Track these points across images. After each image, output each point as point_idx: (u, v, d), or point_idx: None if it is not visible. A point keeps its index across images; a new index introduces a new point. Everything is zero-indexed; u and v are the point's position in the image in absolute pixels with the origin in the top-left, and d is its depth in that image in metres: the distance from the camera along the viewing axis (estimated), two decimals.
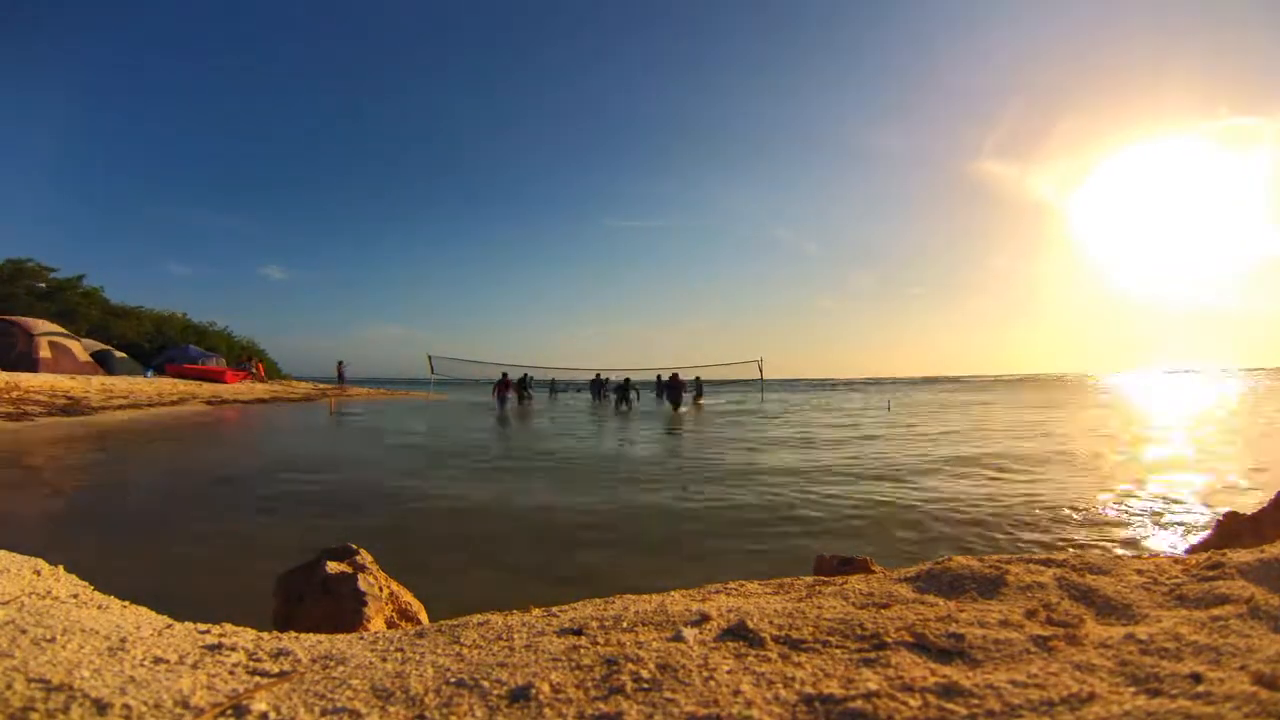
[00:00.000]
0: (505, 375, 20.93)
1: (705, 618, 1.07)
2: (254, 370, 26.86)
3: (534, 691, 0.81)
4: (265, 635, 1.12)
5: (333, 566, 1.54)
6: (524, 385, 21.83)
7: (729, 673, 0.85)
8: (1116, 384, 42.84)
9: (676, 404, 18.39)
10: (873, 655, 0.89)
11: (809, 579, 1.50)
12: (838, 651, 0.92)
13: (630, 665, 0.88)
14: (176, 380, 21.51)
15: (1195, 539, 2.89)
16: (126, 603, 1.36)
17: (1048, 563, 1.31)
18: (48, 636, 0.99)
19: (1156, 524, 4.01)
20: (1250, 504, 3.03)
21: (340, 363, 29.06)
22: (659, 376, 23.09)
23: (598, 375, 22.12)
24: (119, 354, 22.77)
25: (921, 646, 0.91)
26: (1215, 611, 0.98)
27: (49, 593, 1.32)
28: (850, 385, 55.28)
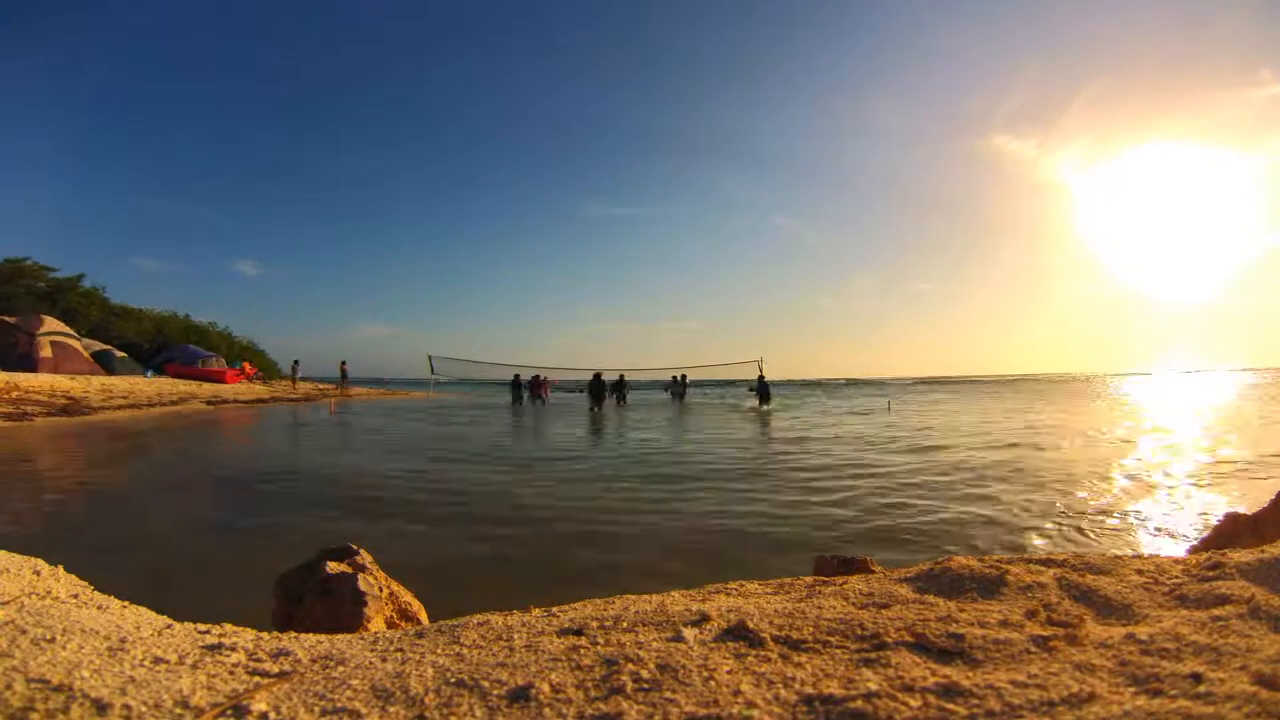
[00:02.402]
0: (539, 376, 22.06)
1: (705, 618, 1.07)
2: (244, 370, 26.74)
3: (534, 692, 0.81)
4: (265, 635, 1.12)
5: (333, 566, 1.54)
6: (517, 385, 22.25)
7: (729, 673, 0.85)
8: (1160, 389, 31.61)
9: (766, 398, 18.57)
10: (873, 655, 0.89)
11: (809, 579, 1.50)
12: (838, 651, 0.92)
13: (630, 665, 0.88)
14: (176, 380, 21.55)
15: (1196, 539, 2.90)
16: (126, 603, 1.36)
17: (1048, 563, 1.31)
18: (48, 636, 0.99)
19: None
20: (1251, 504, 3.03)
21: (342, 363, 28.69)
22: (673, 377, 24.05)
23: (597, 374, 22.28)
24: (119, 354, 22.82)
25: (922, 647, 0.91)
26: (1215, 612, 0.98)
27: (49, 593, 1.32)
28: (859, 384, 54.93)
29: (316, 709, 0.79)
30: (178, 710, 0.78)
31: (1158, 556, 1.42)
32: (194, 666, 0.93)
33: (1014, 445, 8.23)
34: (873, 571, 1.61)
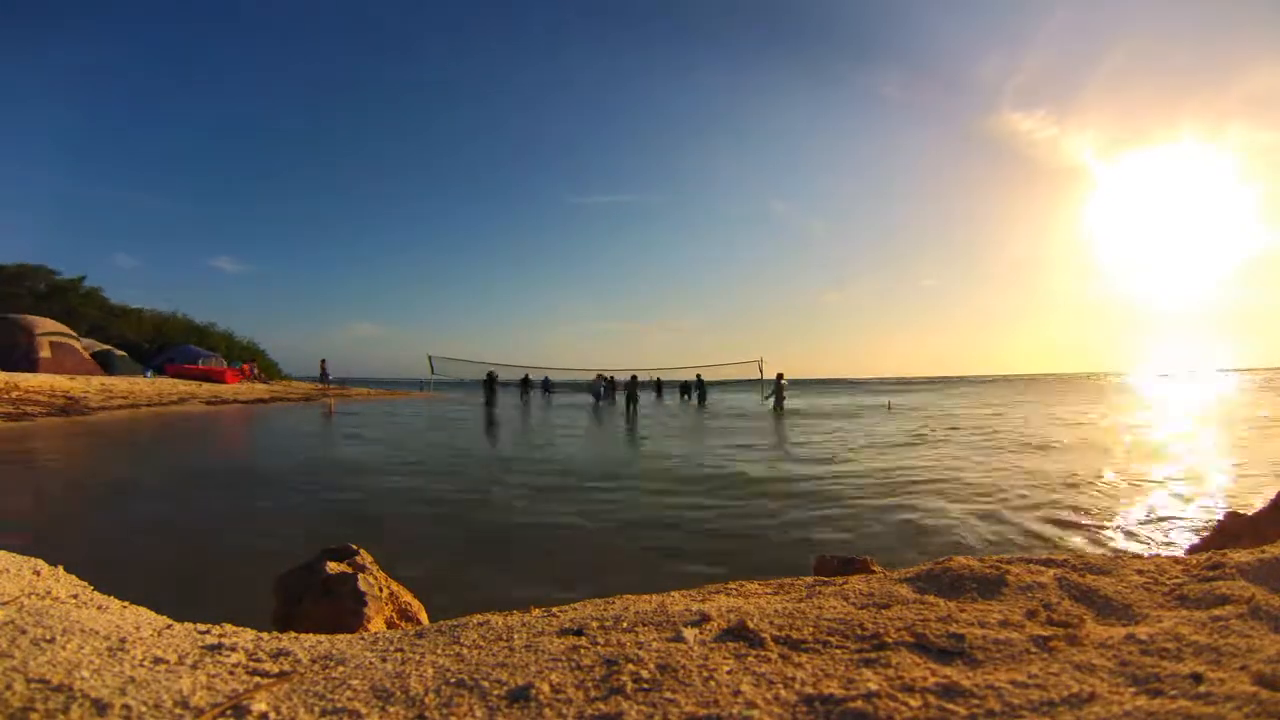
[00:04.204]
0: (528, 375, 21.63)
1: (705, 618, 1.07)
2: (244, 371, 26.62)
3: (534, 692, 0.81)
4: (265, 635, 1.12)
5: (333, 567, 1.54)
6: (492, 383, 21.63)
7: (729, 673, 0.85)
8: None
9: (779, 404, 17.48)
10: (873, 655, 0.89)
11: (809, 579, 1.50)
12: (838, 652, 0.92)
13: (630, 665, 0.88)
14: (176, 380, 21.55)
15: (1196, 539, 2.89)
16: (126, 603, 1.36)
17: (1048, 563, 1.31)
18: (47, 637, 0.99)
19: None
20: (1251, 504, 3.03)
21: (322, 360, 28.06)
22: (697, 376, 23.25)
23: (599, 376, 22.05)
24: (119, 354, 22.83)
25: (922, 647, 0.91)
26: (1216, 612, 0.98)
27: (49, 593, 1.32)
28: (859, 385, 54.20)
29: (316, 709, 0.79)
30: (178, 710, 0.78)
31: (1158, 556, 1.42)
32: (194, 666, 0.93)
33: None
34: (873, 572, 1.61)
